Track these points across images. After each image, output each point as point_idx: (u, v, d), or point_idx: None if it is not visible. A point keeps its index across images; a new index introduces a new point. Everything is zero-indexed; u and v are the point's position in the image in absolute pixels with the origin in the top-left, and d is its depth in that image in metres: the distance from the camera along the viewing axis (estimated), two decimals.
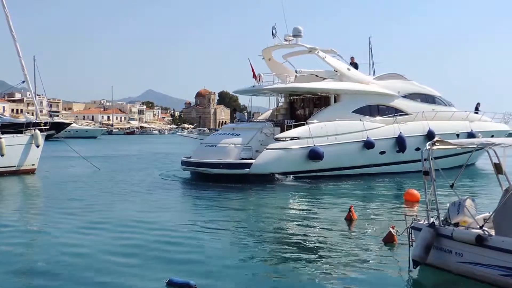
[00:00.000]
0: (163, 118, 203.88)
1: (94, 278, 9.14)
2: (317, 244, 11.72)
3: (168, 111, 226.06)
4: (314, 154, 24.22)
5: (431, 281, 9.03)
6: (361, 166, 26.26)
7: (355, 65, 28.90)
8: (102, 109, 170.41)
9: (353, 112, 26.88)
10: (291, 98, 28.97)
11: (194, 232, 12.96)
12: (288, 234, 13.08)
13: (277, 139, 24.39)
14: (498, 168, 9.77)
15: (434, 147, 9.17)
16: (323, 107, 27.07)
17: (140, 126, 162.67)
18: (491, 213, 9.15)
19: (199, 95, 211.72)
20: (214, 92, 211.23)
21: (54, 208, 16.69)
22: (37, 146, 27.72)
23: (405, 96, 29.05)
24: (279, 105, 29.45)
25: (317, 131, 24.88)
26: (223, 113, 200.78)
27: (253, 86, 26.81)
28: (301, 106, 28.68)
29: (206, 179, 24.17)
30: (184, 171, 26.06)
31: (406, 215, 10.52)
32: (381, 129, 26.93)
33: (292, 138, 24.47)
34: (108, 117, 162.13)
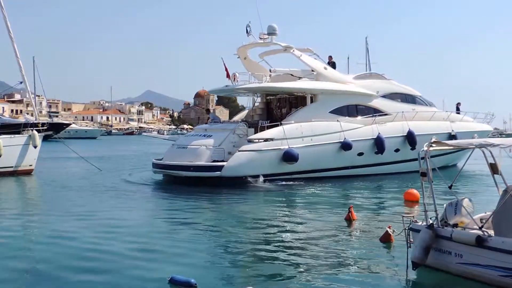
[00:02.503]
0: (162, 118, 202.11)
1: (90, 278, 8.85)
2: (314, 245, 11.23)
3: (167, 112, 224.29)
4: (288, 156, 22.58)
5: (430, 282, 8.72)
6: (338, 168, 24.66)
7: (333, 64, 27.15)
8: (101, 110, 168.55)
9: (330, 112, 25.20)
10: (268, 98, 27.32)
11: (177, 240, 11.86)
12: (280, 236, 12.42)
13: (250, 141, 22.74)
14: (494, 168, 9.39)
15: (431, 148, 8.88)
16: (299, 107, 25.48)
17: (139, 127, 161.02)
18: (488, 213, 8.98)
19: (198, 95, 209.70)
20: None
21: (49, 209, 16.36)
22: (35, 147, 27.01)
23: (384, 96, 27.33)
24: (255, 105, 27.85)
25: (292, 132, 23.26)
26: (222, 114, 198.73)
27: (226, 86, 25.21)
28: (277, 106, 26.99)
29: (179, 181, 22.53)
30: (155, 173, 24.52)
31: (404, 216, 9.99)
32: (359, 130, 25.27)
33: (266, 140, 22.83)
34: (107, 118, 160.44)
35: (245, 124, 24.23)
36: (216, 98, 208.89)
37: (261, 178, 22.03)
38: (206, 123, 26.60)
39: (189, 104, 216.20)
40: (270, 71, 25.61)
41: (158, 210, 16.65)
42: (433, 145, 8.97)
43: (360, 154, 25.19)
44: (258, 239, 12.02)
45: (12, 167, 26.41)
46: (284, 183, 22.37)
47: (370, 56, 65.76)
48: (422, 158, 8.91)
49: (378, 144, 25.44)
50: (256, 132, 23.36)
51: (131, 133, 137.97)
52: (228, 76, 25.00)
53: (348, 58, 79.31)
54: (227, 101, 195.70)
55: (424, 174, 8.91)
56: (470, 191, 19.48)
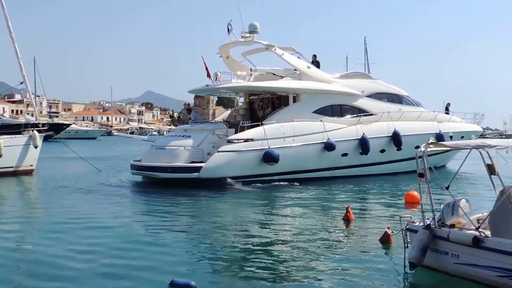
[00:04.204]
0: (162, 119, 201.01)
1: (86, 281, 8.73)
2: (311, 246, 11.09)
3: (167, 112, 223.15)
4: (268, 157, 21.74)
5: (428, 283, 8.67)
6: (322, 169, 23.83)
7: (317, 64, 26.29)
8: (101, 110, 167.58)
9: (314, 112, 24.32)
10: (251, 98, 26.42)
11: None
12: (276, 237, 12.16)
13: (230, 141, 21.95)
14: (491, 169, 9.35)
15: (429, 149, 8.88)
16: (282, 107, 24.60)
17: (140, 127, 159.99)
18: (484, 213, 8.96)
19: (198, 96, 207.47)
20: None
21: (47, 210, 16.39)
22: (35, 147, 26.85)
23: (370, 96, 26.41)
24: (238, 105, 26.99)
25: (273, 132, 22.42)
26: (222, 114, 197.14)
27: (207, 85, 24.39)
28: (260, 107, 26.11)
29: (159, 183, 21.73)
30: (133, 175, 23.71)
31: (401, 217, 9.85)
32: (343, 130, 24.42)
33: (246, 140, 22.04)
34: (108, 118, 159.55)
35: (225, 124, 23.45)
36: (216, 99, 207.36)
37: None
38: (187, 123, 25.86)
39: (189, 104, 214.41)
40: (251, 70, 24.74)
41: (148, 213, 16.06)
42: (430, 145, 8.93)
43: (344, 155, 24.37)
44: (255, 240, 11.73)
45: (12, 167, 26.20)
46: (265, 185, 21.61)
47: (369, 56, 65.23)
48: (420, 157, 8.81)
49: (363, 144, 24.61)
50: (236, 132, 22.56)
51: (131, 134, 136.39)
52: (208, 75, 24.22)
53: (346, 58, 78.78)
54: (227, 101, 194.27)
55: (421, 175, 8.84)
56: (467, 191, 19.04)
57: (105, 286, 8.50)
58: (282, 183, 22.16)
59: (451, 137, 27.40)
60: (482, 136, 34.05)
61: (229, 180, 21.28)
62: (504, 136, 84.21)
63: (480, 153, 9.19)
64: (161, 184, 21.48)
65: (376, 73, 29.29)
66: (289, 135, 22.72)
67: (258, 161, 21.83)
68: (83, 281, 8.69)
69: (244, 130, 22.45)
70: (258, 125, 22.69)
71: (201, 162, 21.46)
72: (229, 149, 21.56)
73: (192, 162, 21.57)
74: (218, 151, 21.47)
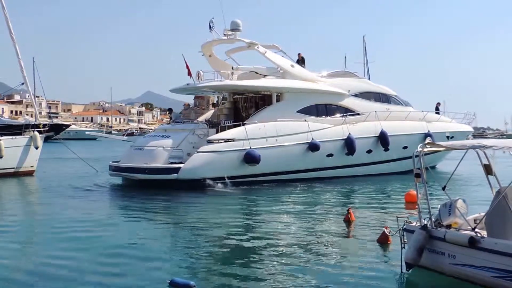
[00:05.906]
0: (162, 119, 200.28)
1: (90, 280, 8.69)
2: (309, 246, 11.04)
3: (167, 113, 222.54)
4: (249, 158, 21.06)
5: (424, 283, 8.63)
6: (306, 170, 23.07)
7: (302, 61, 25.58)
8: (101, 111, 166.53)
9: (298, 112, 23.57)
10: (235, 97, 25.66)
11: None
12: (275, 238, 11.93)
13: (210, 141, 21.24)
14: (488, 169, 9.30)
15: (425, 149, 8.88)
16: (265, 106, 23.84)
17: (140, 128, 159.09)
18: (481, 214, 8.94)
19: (198, 96, 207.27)
20: None
21: (51, 210, 16.22)
22: (36, 148, 26.65)
23: (356, 95, 25.65)
24: (222, 104, 26.24)
25: (255, 132, 21.69)
26: None
27: (187, 84, 23.65)
28: (244, 106, 25.38)
29: (140, 185, 20.99)
30: (112, 176, 22.96)
31: (398, 217, 9.80)
32: (328, 130, 23.66)
33: (227, 140, 21.33)
34: (107, 119, 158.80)
35: (206, 124, 22.72)
36: (216, 99, 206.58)
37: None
38: (168, 123, 25.14)
39: (189, 105, 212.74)
40: (232, 68, 23.99)
41: (144, 213, 15.65)
42: (427, 145, 8.96)
43: (330, 155, 23.61)
44: (252, 241, 11.60)
45: (13, 168, 25.91)
46: (246, 186, 20.90)
47: (369, 55, 64.37)
48: (417, 156, 8.76)
49: (349, 145, 23.85)
50: (217, 132, 21.83)
51: (131, 134, 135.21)
52: (189, 74, 23.52)
53: (345, 57, 77.68)
54: None
55: (418, 175, 8.81)
56: (464, 192, 18.64)
57: (104, 285, 8.40)
58: (265, 184, 21.46)
59: (447, 137, 26.68)
60: (479, 135, 33.38)
61: (209, 181, 20.56)
62: (505, 136, 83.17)
63: (477, 153, 9.03)
64: (153, 185, 20.75)
65: (376, 73, 28.60)
66: (271, 135, 22.01)
67: (239, 162, 21.12)
68: (83, 281, 8.60)
69: (225, 130, 21.73)
70: (239, 125, 21.96)
71: (181, 163, 20.74)
72: (209, 149, 20.86)
73: (172, 163, 20.86)
74: (198, 152, 20.78)
